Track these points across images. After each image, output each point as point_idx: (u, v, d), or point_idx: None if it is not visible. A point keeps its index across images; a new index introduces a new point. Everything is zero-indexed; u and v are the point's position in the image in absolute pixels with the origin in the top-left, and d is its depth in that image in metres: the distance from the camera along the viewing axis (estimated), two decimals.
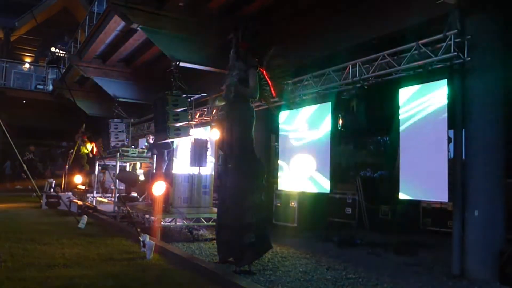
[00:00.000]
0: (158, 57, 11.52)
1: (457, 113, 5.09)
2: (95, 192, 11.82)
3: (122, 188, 10.12)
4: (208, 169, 8.00)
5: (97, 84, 13.22)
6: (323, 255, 5.92)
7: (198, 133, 10.35)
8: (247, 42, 5.06)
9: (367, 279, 4.63)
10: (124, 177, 10.29)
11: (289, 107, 7.14)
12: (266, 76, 5.05)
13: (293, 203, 8.16)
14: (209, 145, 8.08)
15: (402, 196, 5.76)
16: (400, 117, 5.78)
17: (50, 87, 18.93)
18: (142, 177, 10.63)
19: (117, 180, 9.65)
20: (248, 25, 5.08)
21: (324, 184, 7.22)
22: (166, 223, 7.23)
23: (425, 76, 5.47)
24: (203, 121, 10.86)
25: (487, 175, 4.90)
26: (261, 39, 5.15)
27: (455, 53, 5.04)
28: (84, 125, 13.35)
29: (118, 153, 10.12)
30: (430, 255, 5.83)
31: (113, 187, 11.06)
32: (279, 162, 8.33)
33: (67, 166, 13.15)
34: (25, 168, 7.93)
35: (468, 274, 4.84)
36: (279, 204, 8.47)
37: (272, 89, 5.08)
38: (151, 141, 10.93)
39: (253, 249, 4.66)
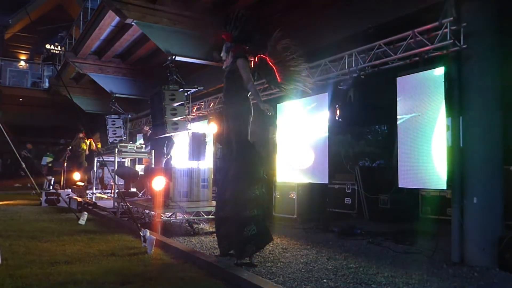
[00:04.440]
0: (154, 52, 11.48)
1: (454, 101, 5.09)
2: (94, 188, 11.84)
3: (121, 183, 10.14)
4: (206, 163, 8.01)
5: (93, 80, 13.18)
6: (323, 245, 5.94)
7: (196, 127, 10.35)
8: (229, 33, 5.00)
9: (367, 268, 4.66)
10: (123, 172, 10.30)
11: (294, 95, 7.07)
12: (269, 62, 4.93)
13: (292, 195, 8.19)
14: (207, 139, 8.08)
15: (401, 185, 5.78)
16: (398, 106, 5.78)
17: (47, 84, 18.87)
18: (141, 172, 10.64)
19: (116, 176, 9.65)
20: (237, 15, 4.99)
21: (323, 175, 7.23)
22: (166, 218, 7.25)
23: (422, 64, 5.47)
24: (200, 115, 10.86)
25: (485, 162, 4.91)
26: (254, 30, 5.08)
27: (451, 41, 5.03)
28: (82, 129, 13.36)
29: (116, 149, 10.12)
30: (429, 243, 5.85)
31: (112, 183, 11.07)
32: (278, 154, 8.34)
33: (65, 163, 13.16)
34: (24, 166, 7.92)
35: (467, 261, 4.88)
36: (278, 196, 8.49)
37: (277, 74, 4.92)
38: (149, 130, 10.91)
39: (254, 241, 4.66)
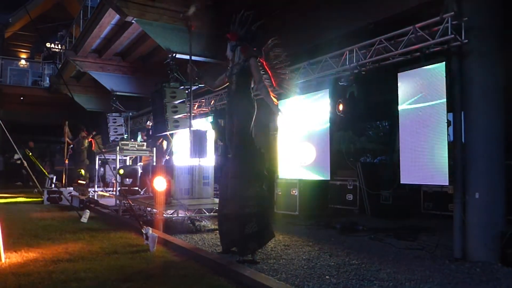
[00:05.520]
0: (154, 50, 11.48)
1: (456, 96, 5.07)
2: (96, 186, 11.86)
3: (128, 182, 10.13)
4: (208, 160, 8.00)
5: (94, 78, 13.19)
6: (325, 242, 5.94)
7: (197, 124, 10.34)
8: (235, 33, 5.05)
9: (370, 265, 4.66)
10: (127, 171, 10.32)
11: (288, 96, 7.13)
12: (266, 67, 5.03)
13: (294, 191, 8.19)
14: (208, 136, 8.08)
15: (402, 181, 5.77)
16: (399, 101, 5.76)
17: (47, 83, 18.88)
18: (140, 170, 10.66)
19: (117, 175, 9.66)
20: (243, 15, 5.04)
21: (324, 171, 7.23)
22: (168, 215, 7.26)
23: (423, 59, 5.44)
24: (201, 112, 10.84)
25: (487, 157, 4.90)
26: (259, 28, 5.12)
27: (452, 36, 5.01)
28: (67, 122, 13.35)
29: (118, 147, 10.13)
30: (431, 239, 5.85)
31: (114, 181, 11.09)
32: (279, 150, 8.33)
33: (67, 161, 13.20)
34: (25, 164, 7.95)
35: (470, 256, 4.87)
36: (280, 193, 8.49)
37: (272, 79, 5.06)
38: (149, 124, 10.92)
39: (256, 238, 4.68)
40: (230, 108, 5.16)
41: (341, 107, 6.85)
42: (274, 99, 5.00)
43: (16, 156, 16.19)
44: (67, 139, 13.40)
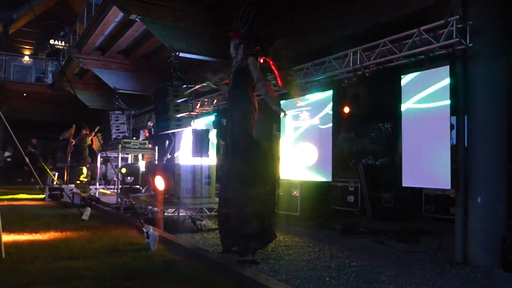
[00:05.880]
0: (158, 48, 11.48)
1: (459, 100, 5.06)
2: (97, 184, 11.88)
3: (130, 180, 10.14)
4: (210, 159, 8.01)
5: (97, 76, 13.19)
6: (326, 243, 5.94)
7: (199, 123, 10.34)
8: (238, 31, 5.04)
9: (370, 267, 4.65)
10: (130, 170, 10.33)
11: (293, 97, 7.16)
12: (273, 66, 5.01)
13: (295, 192, 8.18)
14: (210, 135, 8.08)
15: (404, 183, 5.76)
16: (402, 104, 5.75)
17: (50, 79, 18.92)
18: (142, 168, 10.67)
19: (119, 173, 9.67)
20: (244, 13, 5.02)
21: (326, 173, 7.22)
22: (169, 214, 7.26)
23: (427, 62, 5.42)
24: (204, 111, 10.84)
25: (490, 162, 4.88)
26: (262, 27, 5.11)
27: (457, 39, 4.99)
28: (74, 125, 13.38)
29: (120, 145, 10.14)
30: (433, 242, 5.84)
31: (115, 179, 11.11)
32: (281, 151, 8.32)
33: (69, 159, 13.22)
34: (27, 161, 7.96)
35: (471, 261, 4.85)
36: (281, 193, 8.48)
37: (278, 79, 5.05)
38: (151, 124, 10.92)
39: (257, 239, 4.67)
40: (230, 107, 5.16)
41: (346, 109, 6.84)
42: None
43: (6, 154, 16.23)
44: (70, 138, 13.44)
